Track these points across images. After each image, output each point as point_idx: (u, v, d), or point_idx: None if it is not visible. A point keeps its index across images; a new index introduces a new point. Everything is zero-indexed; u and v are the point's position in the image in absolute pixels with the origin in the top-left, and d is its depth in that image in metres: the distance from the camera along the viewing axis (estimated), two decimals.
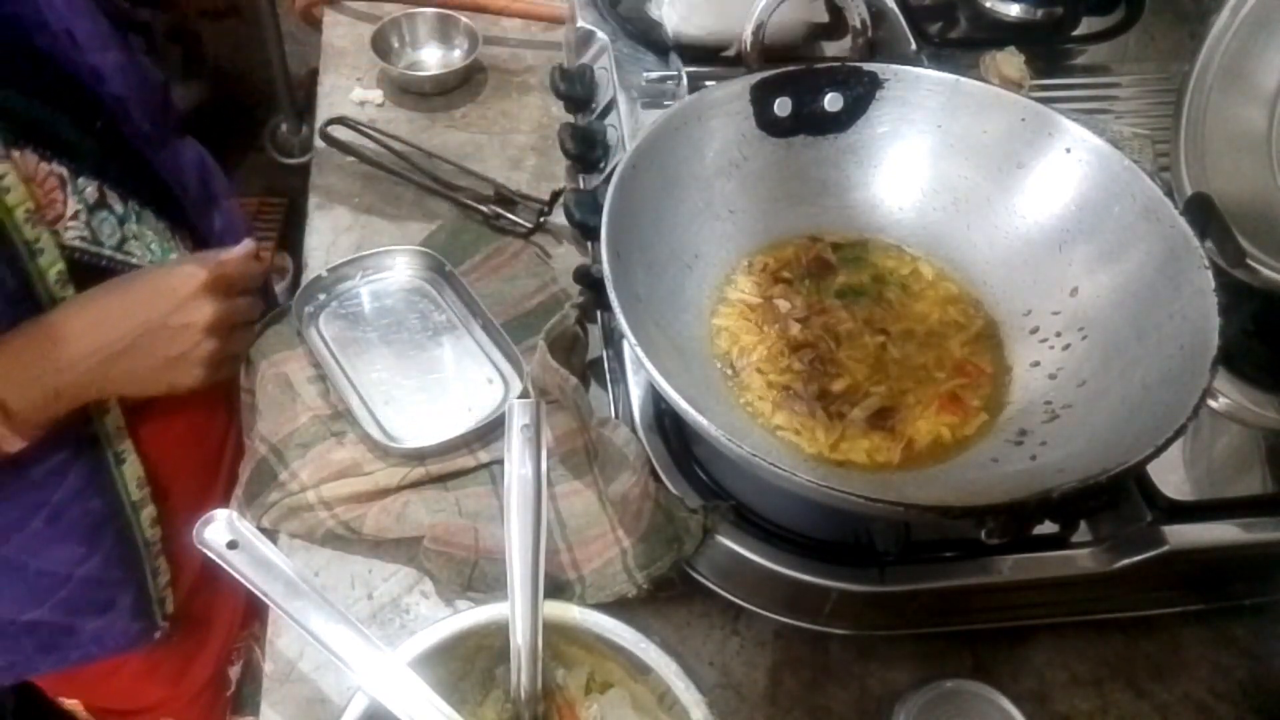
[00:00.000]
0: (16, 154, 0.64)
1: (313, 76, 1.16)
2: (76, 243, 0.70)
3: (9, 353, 0.65)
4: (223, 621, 1.02)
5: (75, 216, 0.70)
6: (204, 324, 0.68)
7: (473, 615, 0.60)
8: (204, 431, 0.92)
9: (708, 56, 0.93)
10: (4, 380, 0.64)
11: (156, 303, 0.67)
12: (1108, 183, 0.70)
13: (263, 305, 0.77)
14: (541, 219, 0.95)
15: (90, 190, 0.71)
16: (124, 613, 0.84)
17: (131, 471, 0.79)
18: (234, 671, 1.08)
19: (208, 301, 0.68)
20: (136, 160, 0.76)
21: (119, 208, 0.74)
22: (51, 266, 0.67)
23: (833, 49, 0.98)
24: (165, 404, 0.82)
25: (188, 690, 1.01)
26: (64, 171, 0.69)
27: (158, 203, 0.79)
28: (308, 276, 0.88)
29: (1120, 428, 0.61)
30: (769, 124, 0.75)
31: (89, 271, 0.71)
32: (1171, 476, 0.69)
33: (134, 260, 0.75)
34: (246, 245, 0.73)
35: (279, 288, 1.13)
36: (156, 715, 1.03)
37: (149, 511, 0.81)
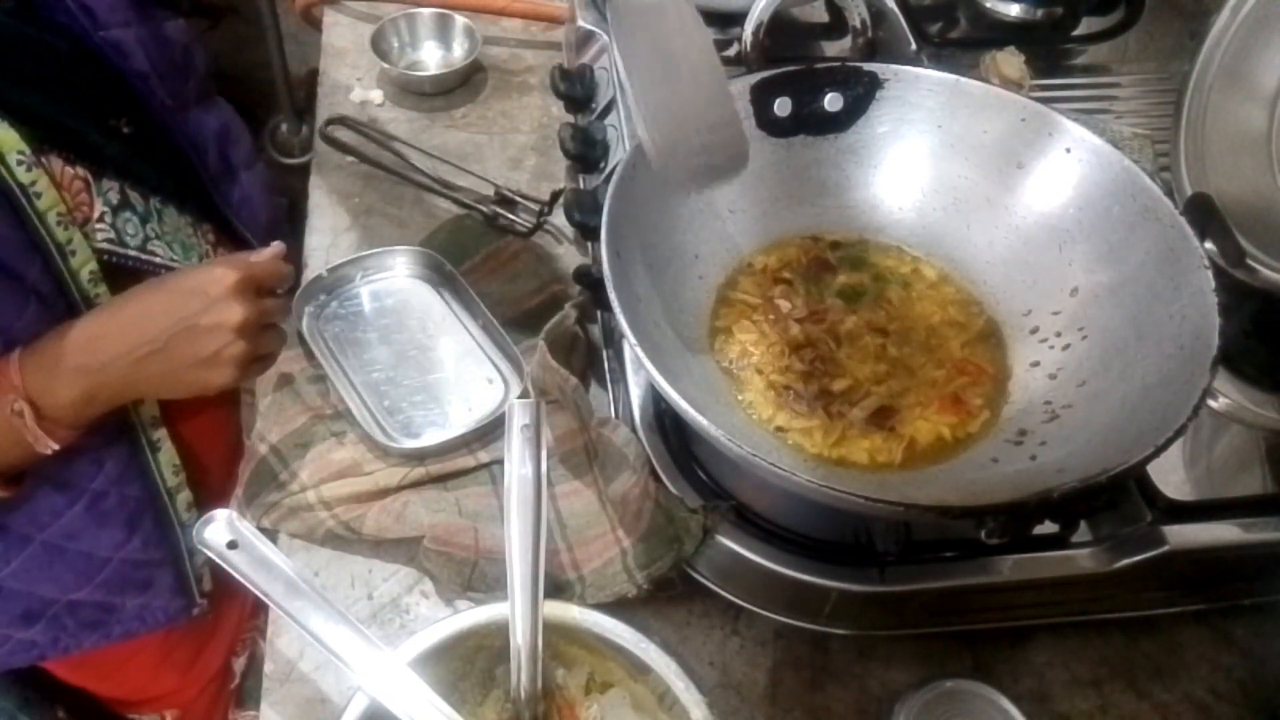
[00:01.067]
0: (44, 160, 0.66)
1: (313, 76, 1.16)
2: (104, 244, 0.71)
3: (44, 356, 0.66)
4: (233, 610, 1.03)
5: (101, 219, 0.71)
6: (234, 324, 0.68)
7: (473, 615, 0.60)
8: (230, 421, 0.94)
9: None
10: (39, 383, 0.65)
11: (187, 304, 0.67)
12: (1108, 183, 0.70)
13: (289, 308, 0.78)
14: (541, 219, 0.95)
15: (113, 192, 0.73)
16: (164, 590, 0.86)
17: (167, 459, 0.80)
18: (238, 664, 1.08)
19: (237, 303, 0.68)
20: (157, 142, 0.78)
21: (141, 207, 0.76)
22: (84, 266, 0.68)
23: (833, 49, 0.98)
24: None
25: (197, 680, 1.02)
26: (88, 175, 0.70)
27: (180, 195, 0.81)
28: (308, 276, 0.88)
29: (1120, 428, 0.61)
30: (769, 124, 0.75)
31: (117, 272, 0.72)
32: (1171, 476, 0.69)
33: (158, 260, 0.76)
34: (276, 247, 0.73)
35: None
36: (163, 706, 1.04)
37: (185, 496, 0.83)
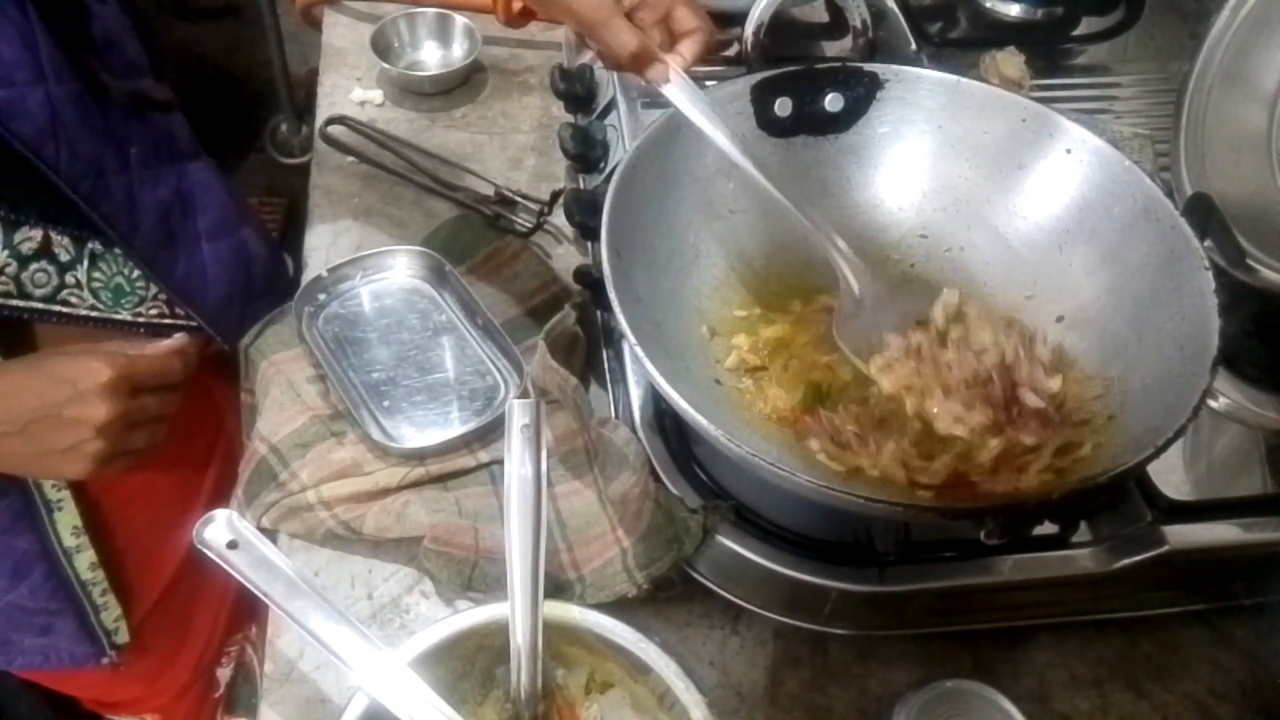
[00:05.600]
0: None
1: (313, 76, 1.16)
2: None
3: None
4: (200, 629, 1.01)
5: (2, 271, 0.69)
6: (96, 422, 0.66)
7: (473, 615, 0.60)
8: (183, 445, 0.90)
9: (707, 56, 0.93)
10: None
11: (54, 391, 0.66)
12: (1108, 183, 0.70)
13: (178, 403, 0.75)
14: (541, 219, 0.95)
15: (31, 241, 0.70)
16: (65, 637, 0.84)
17: (66, 520, 0.79)
18: (224, 673, 1.08)
19: (105, 401, 0.66)
20: (71, 200, 0.71)
21: (67, 254, 0.72)
22: None
23: (833, 49, 0.98)
24: None
25: (166, 690, 1.01)
26: None
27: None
28: (308, 276, 0.88)
29: (1120, 428, 0.61)
30: (769, 124, 0.75)
31: (12, 325, 0.70)
32: (1171, 476, 0.69)
33: (70, 310, 0.73)
34: (173, 342, 0.72)
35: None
36: (139, 709, 1.03)
37: (87, 556, 0.81)
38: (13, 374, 0.68)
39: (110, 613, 0.85)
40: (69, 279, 0.73)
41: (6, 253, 0.68)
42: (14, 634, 0.82)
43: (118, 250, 0.76)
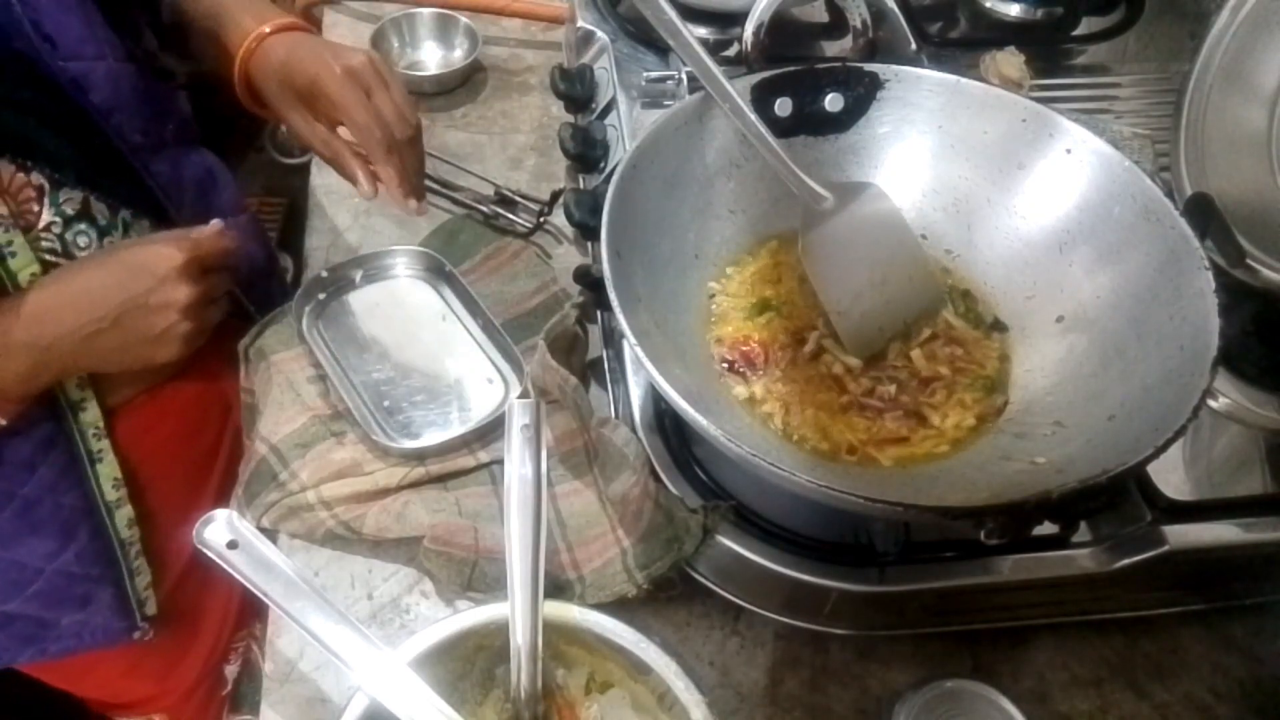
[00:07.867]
0: None
1: None
2: (45, 256, 0.70)
3: None
4: (211, 623, 1.02)
5: (48, 229, 0.70)
6: (181, 304, 0.69)
7: (473, 615, 0.60)
8: (195, 430, 0.92)
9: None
10: None
11: (135, 282, 0.68)
12: (1108, 184, 0.70)
13: (230, 281, 0.78)
14: (541, 219, 0.95)
15: (72, 202, 0.71)
16: (102, 609, 0.84)
17: (107, 471, 0.79)
18: (231, 670, 1.08)
19: (184, 282, 0.69)
20: (126, 170, 0.75)
21: (104, 219, 0.73)
22: (25, 269, 0.68)
23: (833, 49, 0.98)
24: (151, 405, 0.83)
25: (176, 688, 1.01)
26: (44, 183, 0.69)
27: (155, 213, 0.78)
28: (308, 276, 0.88)
29: (1120, 428, 0.61)
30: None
31: None
32: (1171, 476, 0.69)
33: None
34: (216, 224, 0.74)
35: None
36: (147, 710, 1.03)
37: (125, 512, 0.82)
38: (89, 270, 0.70)
39: (142, 578, 0.86)
40: (107, 243, 0.74)
41: (53, 210, 0.70)
42: (51, 612, 0.82)
43: (145, 221, 0.78)
